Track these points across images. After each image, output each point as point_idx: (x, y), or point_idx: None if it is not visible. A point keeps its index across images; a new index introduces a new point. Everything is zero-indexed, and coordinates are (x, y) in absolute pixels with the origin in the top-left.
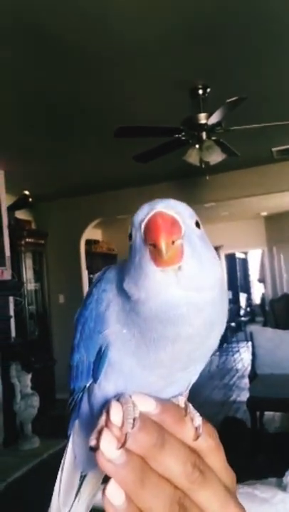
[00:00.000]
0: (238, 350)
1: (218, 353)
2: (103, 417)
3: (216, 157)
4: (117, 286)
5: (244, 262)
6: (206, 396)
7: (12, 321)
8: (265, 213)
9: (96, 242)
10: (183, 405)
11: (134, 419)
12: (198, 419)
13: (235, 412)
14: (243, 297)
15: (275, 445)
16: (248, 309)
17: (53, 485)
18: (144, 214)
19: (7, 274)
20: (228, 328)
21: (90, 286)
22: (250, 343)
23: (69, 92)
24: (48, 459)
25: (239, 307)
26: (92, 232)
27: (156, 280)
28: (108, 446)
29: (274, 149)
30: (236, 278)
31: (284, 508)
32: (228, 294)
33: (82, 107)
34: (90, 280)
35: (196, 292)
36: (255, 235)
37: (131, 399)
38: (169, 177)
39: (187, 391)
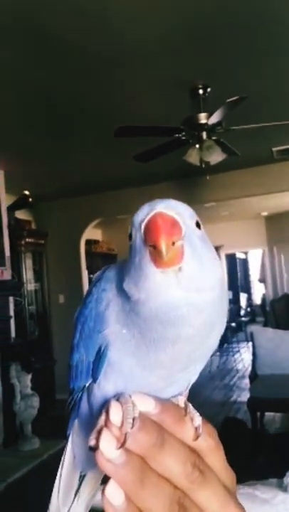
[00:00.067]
0: (239, 351)
1: (218, 354)
2: (103, 417)
3: (216, 157)
4: (116, 286)
5: (244, 262)
6: (206, 396)
7: (12, 321)
8: (265, 213)
9: (96, 242)
10: (183, 405)
11: (133, 419)
12: (198, 419)
13: (235, 413)
14: (243, 297)
15: (275, 446)
16: (249, 309)
17: (53, 485)
18: (144, 214)
19: (7, 274)
20: (228, 328)
21: (89, 285)
22: (250, 344)
23: (69, 92)
24: (47, 459)
25: (239, 307)
26: (92, 232)
27: (157, 281)
28: (108, 446)
29: (274, 149)
30: (237, 278)
31: (284, 509)
32: (228, 294)
33: (82, 107)
34: (90, 280)
35: (197, 293)
36: (255, 235)
37: (130, 399)
38: (169, 177)
39: (187, 391)
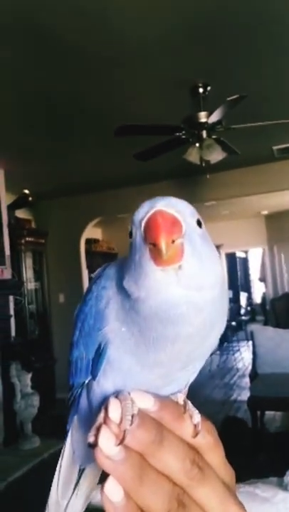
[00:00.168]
0: (239, 350)
1: (218, 352)
2: (102, 414)
3: (216, 156)
4: (116, 284)
5: (245, 261)
6: (206, 395)
7: (12, 320)
8: (265, 212)
9: (96, 241)
10: (182, 402)
11: (132, 416)
12: (197, 416)
13: (235, 412)
14: (243, 296)
15: (275, 444)
16: (249, 308)
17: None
18: (144, 212)
19: (7, 273)
20: (228, 327)
21: (89, 283)
22: (250, 342)
23: (69, 92)
24: (48, 458)
25: (240, 306)
26: (92, 231)
27: (156, 279)
28: (107, 443)
29: (275, 148)
30: (237, 277)
31: (285, 508)
32: (228, 293)
33: (82, 107)
34: (90, 279)
35: (197, 291)
36: (255, 234)
37: (129, 396)
38: (169, 175)
39: (186, 388)
